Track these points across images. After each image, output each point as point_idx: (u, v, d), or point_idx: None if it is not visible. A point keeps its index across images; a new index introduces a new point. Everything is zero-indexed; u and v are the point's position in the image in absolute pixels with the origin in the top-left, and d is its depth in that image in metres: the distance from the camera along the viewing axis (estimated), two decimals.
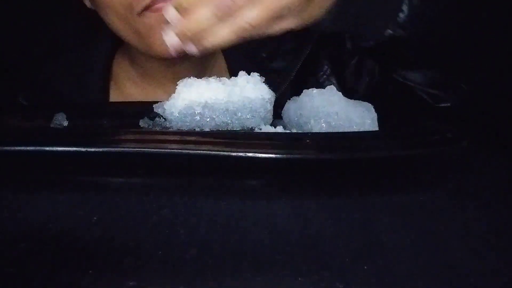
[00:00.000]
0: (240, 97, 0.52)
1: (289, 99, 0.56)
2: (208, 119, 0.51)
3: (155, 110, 0.54)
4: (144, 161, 0.45)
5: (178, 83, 0.53)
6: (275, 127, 0.52)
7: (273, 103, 0.54)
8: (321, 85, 0.75)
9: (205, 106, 0.51)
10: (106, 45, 0.81)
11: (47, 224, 0.34)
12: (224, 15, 0.51)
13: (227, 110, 0.51)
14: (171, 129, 0.52)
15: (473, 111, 0.72)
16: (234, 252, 0.31)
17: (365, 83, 0.76)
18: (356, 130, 0.50)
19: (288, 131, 0.51)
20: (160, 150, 0.43)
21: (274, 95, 0.55)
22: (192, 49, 0.53)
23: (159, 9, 0.63)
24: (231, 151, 0.42)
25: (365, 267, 0.29)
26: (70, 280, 0.27)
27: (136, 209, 0.37)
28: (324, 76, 0.76)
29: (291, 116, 0.54)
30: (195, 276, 0.28)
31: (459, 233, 0.35)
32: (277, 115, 0.55)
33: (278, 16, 0.53)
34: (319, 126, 0.50)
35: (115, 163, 0.44)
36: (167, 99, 0.53)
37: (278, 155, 0.42)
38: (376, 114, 0.52)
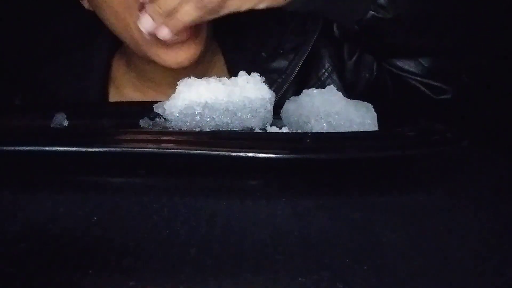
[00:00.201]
0: (240, 97, 0.52)
1: (288, 99, 0.56)
2: (208, 119, 0.51)
3: (155, 110, 0.54)
4: (144, 161, 0.45)
5: (178, 83, 0.53)
6: (280, 128, 0.52)
7: (273, 103, 0.54)
8: (323, 83, 0.75)
9: (205, 106, 0.51)
10: (105, 47, 0.80)
11: (47, 224, 0.34)
12: None
13: (227, 110, 0.52)
14: (171, 129, 0.52)
15: (474, 103, 0.71)
16: (234, 252, 0.31)
17: (364, 79, 0.75)
18: (356, 130, 0.50)
19: (288, 131, 0.51)
20: (160, 150, 0.43)
21: (274, 95, 0.55)
22: (164, 32, 0.60)
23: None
24: (231, 151, 0.42)
25: (365, 267, 0.29)
26: (70, 280, 0.27)
27: (136, 209, 0.37)
28: (326, 74, 0.76)
29: (290, 116, 0.54)
30: (195, 276, 0.28)
31: (459, 233, 0.35)
32: (277, 115, 0.56)
33: None
34: (320, 126, 0.50)
35: (115, 163, 0.44)
36: (170, 97, 0.53)
37: (278, 155, 0.42)
38: (376, 114, 0.52)
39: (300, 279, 0.28)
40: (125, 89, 0.81)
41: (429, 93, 0.68)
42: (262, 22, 0.77)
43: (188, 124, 0.52)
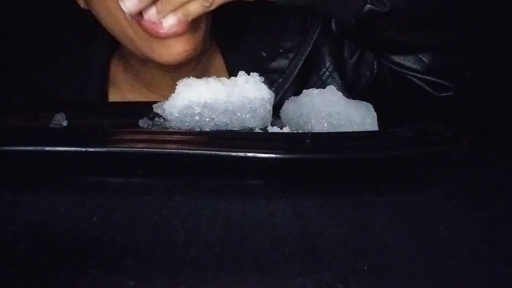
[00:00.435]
0: (239, 97, 0.52)
1: (287, 99, 0.56)
2: (207, 119, 0.51)
3: (154, 110, 0.54)
4: (144, 161, 0.45)
5: (177, 83, 0.53)
6: (281, 128, 0.52)
7: (272, 103, 0.54)
8: (324, 83, 0.74)
9: (205, 106, 0.51)
10: (104, 48, 0.80)
11: (47, 224, 0.34)
12: None
13: (226, 110, 0.52)
14: (171, 129, 0.52)
15: (476, 101, 0.71)
16: (234, 252, 0.31)
17: (365, 78, 0.75)
18: (356, 130, 0.50)
19: (288, 131, 0.51)
20: (160, 150, 0.43)
21: (274, 95, 0.55)
22: (152, 12, 0.60)
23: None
24: (231, 151, 0.42)
25: (365, 267, 0.29)
26: (70, 280, 0.27)
27: (136, 209, 0.37)
28: (327, 73, 0.76)
29: (290, 116, 0.54)
30: (195, 276, 0.28)
31: (458, 233, 0.35)
32: (277, 115, 0.56)
33: None
34: (321, 126, 0.50)
35: (115, 163, 0.44)
36: (169, 97, 0.53)
37: (278, 155, 0.42)
38: (376, 114, 0.52)
39: (300, 279, 0.28)
40: (124, 90, 0.81)
41: (431, 91, 0.68)
42: (261, 21, 0.77)
43: (187, 124, 0.52)
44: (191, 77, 0.54)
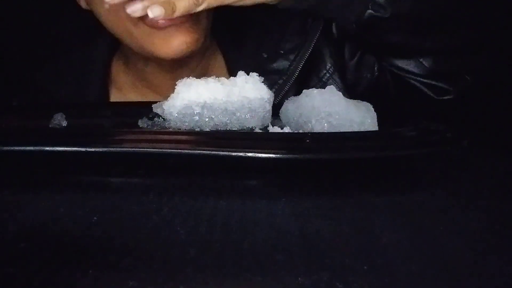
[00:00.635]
0: (239, 97, 0.52)
1: (287, 99, 0.56)
2: (207, 119, 0.51)
3: (154, 110, 0.54)
4: (144, 161, 0.45)
5: (177, 83, 0.53)
6: (281, 128, 0.52)
7: (272, 103, 0.54)
8: (324, 84, 0.74)
9: (204, 106, 0.51)
10: (104, 48, 0.80)
11: (47, 224, 0.34)
12: None
13: (226, 110, 0.52)
14: (170, 129, 0.52)
15: (477, 104, 0.71)
16: (234, 252, 0.31)
17: (366, 79, 0.75)
18: (356, 130, 0.50)
19: (288, 131, 0.51)
20: (160, 150, 0.43)
21: (273, 95, 0.55)
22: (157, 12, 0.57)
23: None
24: (231, 151, 0.42)
25: (365, 267, 0.29)
26: (70, 280, 0.27)
27: (136, 209, 0.37)
28: (328, 75, 0.76)
29: (290, 116, 0.54)
30: (195, 276, 0.28)
31: (458, 233, 0.35)
32: (276, 115, 0.55)
33: None
34: (321, 126, 0.50)
35: (115, 163, 0.44)
36: (168, 97, 0.53)
37: (278, 155, 0.42)
38: (376, 114, 0.52)
39: (300, 279, 0.28)
40: (125, 91, 0.81)
41: (431, 94, 0.68)
42: (262, 22, 0.77)
43: (187, 124, 0.52)
44: (190, 77, 0.54)
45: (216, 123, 0.52)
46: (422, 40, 0.65)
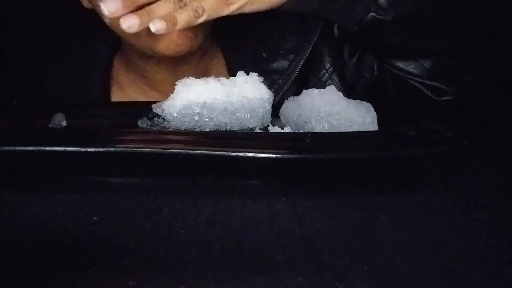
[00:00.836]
0: (238, 97, 0.52)
1: (287, 99, 0.56)
2: (206, 119, 0.51)
3: (154, 110, 0.54)
4: (144, 161, 0.45)
5: (177, 83, 0.53)
6: (282, 128, 0.52)
7: (271, 103, 0.54)
8: (323, 84, 0.75)
9: (204, 106, 0.51)
10: (106, 47, 0.80)
11: (47, 224, 0.34)
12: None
13: (225, 110, 0.52)
14: (170, 129, 0.52)
15: (476, 105, 0.71)
16: (234, 252, 0.31)
17: (365, 80, 0.75)
18: (356, 130, 0.50)
19: (288, 131, 0.51)
20: (160, 150, 0.43)
21: (273, 95, 0.55)
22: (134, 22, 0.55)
23: None
24: (231, 151, 0.42)
25: (365, 267, 0.29)
26: (70, 280, 0.27)
27: (136, 209, 0.37)
28: (327, 75, 0.76)
29: (289, 116, 0.54)
30: (195, 276, 0.28)
31: (458, 233, 0.35)
32: (276, 115, 0.55)
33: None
34: (321, 126, 0.50)
35: (115, 163, 0.44)
36: (168, 98, 0.53)
37: (278, 155, 0.42)
38: (376, 114, 0.52)
39: (300, 279, 0.28)
40: (126, 89, 0.81)
41: (430, 95, 0.68)
42: (262, 22, 0.77)
43: (186, 124, 0.52)
44: (190, 77, 0.54)
45: (216, 123, 0.52)
46: (423, 41, 0.65)
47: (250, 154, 0.41)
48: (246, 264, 0.29)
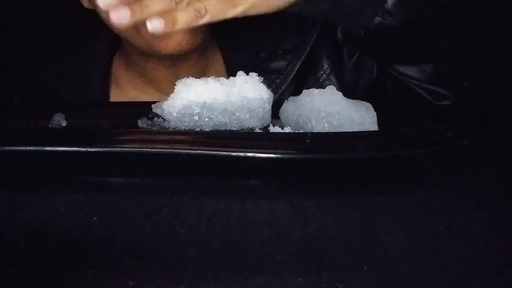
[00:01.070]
0: (238, 97, 0.52)
1: (287, 99, 0.56)
2: (206, 119, 0.51)
3: (153, 110, 0.54)
4: (144, 161, 0.45)
5: (176, 83, 0.53)
6: (282, 128, 0.52)
7: (271, 103, 0.54)
8: (321, 84, 0.75)
9: (204, 106, 0.51)
10: (106, 47, 0.81)
11: (47, 224, 0.34)
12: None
13: (225, 110, 0.52)
14: (170, 129, 0.52)
15: (475, 109, 0.71)
16: (234, 252, 0.31)
17: (364, 81, 0.75)
18: (356, 130, 0.50)
19: (288, 131, 0.51)
20: (160, 150, 0.43)
21: (273, 95, 0.55)
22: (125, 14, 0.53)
23: None
24: (231, 151, 0.42)
25: (365, 267, 0.29)
26: (70, 280, 0.27)
27: (136, 209, 0.37)
28: (324, 75, 0.76)
29: (289, 116, 0.54)
30: (195, 276, 0.28)
31: (459, 233, 0.35)
32: (275, 115, 0.55)
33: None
34: (321, 126, 0.50)
35: (115, 163, 0.44)
36: (168, 98, 0.53)
37: (278, 155, 0.42)
38: (375, 114, 0.52)
39: (300, 279, 0.28)
40: (126, 88, 0.81)
41: (430, 99, 0.68)
42: (261, 22, 0.77)
43: (186, 124, 0.52)
44: (190, 77, 0.54)
45: (216, 123, 0.52)
46: (427, 45, 0.65)
47: (250, 154, 0.41)
48: (246, 264, 0.29)
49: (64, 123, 0.55)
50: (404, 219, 0.37)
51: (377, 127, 0.51)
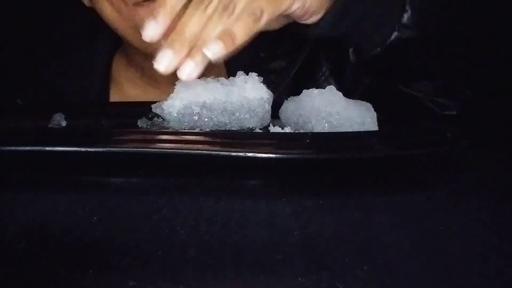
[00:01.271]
0: (238, 97, 0.52)
1: (287, 99, 0.56)
2: (206, 119, 0.51)
3: (153, 110, 0.54)
4: (144, 161, 0.45)
5: (176, 83, 0.53)
6: (282, 128, 0.52)
7: (271, 103, 0.54)
8: (319, 86, 0.74)
9: (203, 106, 0.51)
10: (106, 46, 0.81)
11: (47, 224, 0.34)
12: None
13: (225, 110, 0.52)
14: (170, 129, 0.52)
15: (478, 117, 0.72)
16: (234, 252, 0.31)
17: (364, 86, 0.75)
18: (356, 130, 0.50)
19: (288, 131, 0.51)
20: (160, 150, 0.43)
21: (273, 95, 0.55)
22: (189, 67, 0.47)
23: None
24: (231, 151, 0.42)
25: (365, 267, 0.29)
26: (70, 280, 0.27)
27: (136, 209, 0.37)
28: (323, 78, 0.76)
29: (289, 116, 0.54)
30: (195, 276, 0.28)
31: (459, 233, 0.35)
32: (275, 115, 0.55)
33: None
34: (321, 126, 0.50)
35: (115, 163, 0.44)
36: (168, 98, 0.53)
37: (278, 155, 0.42)
38: (375, 113, 0.52)
39: (300, 279, 0.28)
40: (125, 87, 0.81)
41: (435, 108, 0.68)
42: None
43: (186, 124, 0.52)
44: None
45: (216, 123, 0.52)
46: (442, 60, 0.65)
47: (250, 154, 0.41)
48: (246, 264, 0.29)
49: (64, 123, 0.55)
50: (404, 219, 0.37)
51: (377, 127, 0.51)
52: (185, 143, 0.45)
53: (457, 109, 0.68)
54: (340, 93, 0.53)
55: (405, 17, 0.60)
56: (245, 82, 0.53)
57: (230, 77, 0.55)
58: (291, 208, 0.38)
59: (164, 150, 0.43)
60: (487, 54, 0.67)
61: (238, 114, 0.52)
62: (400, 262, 0.30)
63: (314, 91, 0.53)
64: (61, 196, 0.39)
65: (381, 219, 0.37)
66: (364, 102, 0.53)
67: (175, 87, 0.53)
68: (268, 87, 0.71)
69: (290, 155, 0.42)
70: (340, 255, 0.31)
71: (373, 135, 0.49)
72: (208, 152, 0.42)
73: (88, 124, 0.59)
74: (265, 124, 0.54)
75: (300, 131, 0.52)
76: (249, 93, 0.52)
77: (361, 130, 0.50)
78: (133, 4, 0.64)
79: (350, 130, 0.50)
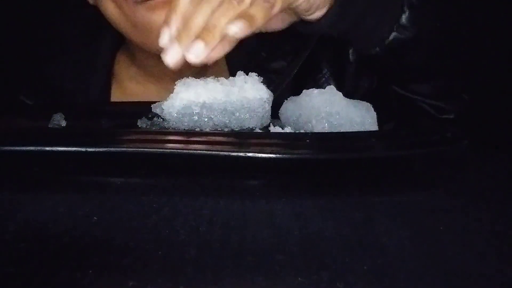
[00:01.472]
0: (238, 97, 0.52)
1: (287, 99, 0.56)
2: (206, 119, 0.51)
3: (153, 110, 0.54)
4: (144, 161, 0.45)
5: (176, 83, 0.53)
6: (282, 128, 0.52)
7: (271, 103, 0.54)
8: (319, 87, 0.75)
9: (203, 106, 0.51)
10: (108, 44, 0.81)
11: (47, 224, 0.34)
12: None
13: (225, 110, 0.52)
14: (170, 129, 0.52)
15: (477, 117, 0.72)
16: (234, 252, 0.31)
17: (364, 89, 0.75)
18: (356, 130, 0.50)
19: (288, 131, 0.51)
20: (160, 150, 0.43)
21: (272, 95, 0.55)
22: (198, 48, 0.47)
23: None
24: (231, 151, 0.42)
25: (365, 267, 0.29)
26: (70, 280, 0.27)
27: (136, 209, 0.37)
28: (323, 79, 0.76)
29: (289, 116, 0.54)
30: (195, 276, 0.28)
31: (459, 233, 0.35)
32: (275, 115, 0.55)
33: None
34: (321, 126, 0.50)
35: (115, 163, 0.44)
36: (167, 98, 0.53)
37: (278, 155, 0.42)
38: (375, 114, 0.52)
39: (300, 279, 0.28)
40: (126, 84, 0.82)
41: (433, 112, 0.69)
42: None
43: (186, 124, 0.52)
44: (189, 77, 0.54)
45: (216, 123, 0.52)
46: (440, 61, 0.65)
47: (250, 154, 0.41)
48: (246, 264, 0.29)
49: (64, 123, 0.55)
50: (404, 219, 0.37)
51: (377, 127, 0.51)
52: (185, 143, 0.45)
53: (454, 113, 0.68)
54: (340, 93, 0.53)
55: (403, 17, 0.60)
56: (245, 82, 0.53)
57: (230, 77, 0.55)
58: (291, 208, 0.38)
59: (164, 150, 0.43)
60: (485, 54, 0.67)
61: (238, 114, 0.52)
62: (400, 262, 0.30)
63: (314, 91, 0.53)
64: (61, 196, 0.39)
65: (381, 219, 0.37)
66: (364, 102, 0.53)
67: (175, 87, 0.53)
68: (268, 87, 0.71)
69: (290, 155, 0.42)
70: (340, 255, 0.31)
71: (373, 135, 0.49)
72: (208, 152, 0.42)
73: (88, 124, 0.59)
74: (265, 124, 0.54)
75: (300, 131, 0.52)
76: (249, 93, 0.52)
77: (361, 130, 0.50)
78: (133, 2, 0.64)
79: (350, 130, 0.50)
